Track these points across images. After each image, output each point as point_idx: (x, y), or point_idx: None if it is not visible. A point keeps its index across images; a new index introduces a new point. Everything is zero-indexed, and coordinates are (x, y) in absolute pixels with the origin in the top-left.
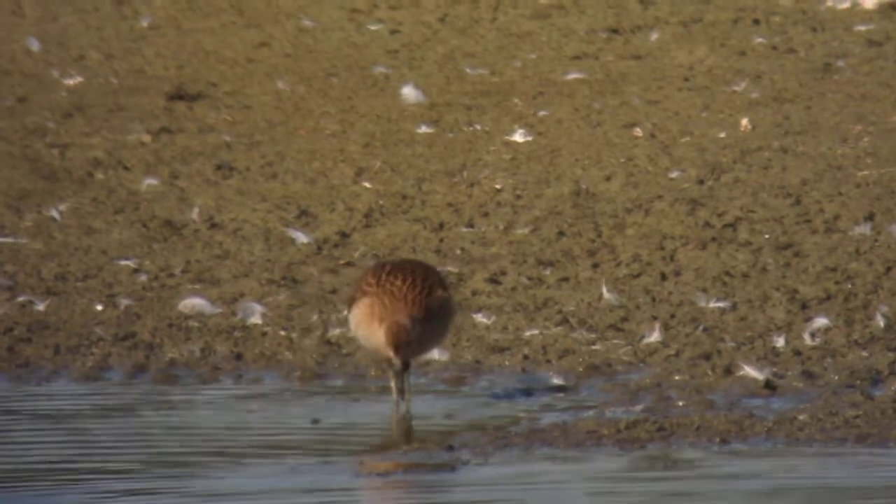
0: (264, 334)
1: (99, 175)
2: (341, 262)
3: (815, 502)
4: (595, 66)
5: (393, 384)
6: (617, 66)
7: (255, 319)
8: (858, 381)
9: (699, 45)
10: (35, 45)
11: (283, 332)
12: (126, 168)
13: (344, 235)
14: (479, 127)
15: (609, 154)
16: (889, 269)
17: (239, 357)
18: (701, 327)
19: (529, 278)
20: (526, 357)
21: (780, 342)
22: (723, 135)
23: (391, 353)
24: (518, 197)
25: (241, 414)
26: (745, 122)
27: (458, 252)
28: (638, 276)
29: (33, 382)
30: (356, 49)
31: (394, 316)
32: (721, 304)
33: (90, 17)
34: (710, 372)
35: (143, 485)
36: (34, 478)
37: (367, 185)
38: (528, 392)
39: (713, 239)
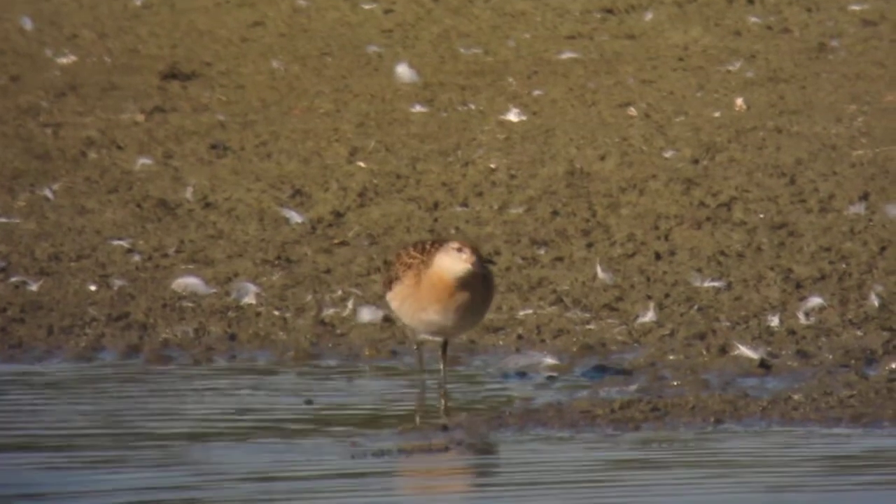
0: (258, 314)
1: (92, 154)
2: (335, 241)
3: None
4: (589, 45)
5: (417, 360)
6: (611, 45)
7: (249, 299)
8: (853, 361)
9: (694, 24)
10: (28, 24)
11: (276, 313)
12: (120, 147)
13: (338, 215)
14: (473, 106)
15: (603, 133)
16: (883, 248)
17: (233, 337)
18: (695, 307)
19: (524, 258)
20: (520, 337)
21: (774, 322)
22: (717, 114)
23: (466, 258)
24: (512, 176)
25: (234, 394)
26: (739, 101)
27: (453, 232)
28: (632, 255)
29: (27, 363)
30: (350, 28)
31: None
32: (716, 284)
33: None
34: (704, 352)
35: (134, 455)
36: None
37: (361, 164)
38: (522, 372)
39: (708, 218)
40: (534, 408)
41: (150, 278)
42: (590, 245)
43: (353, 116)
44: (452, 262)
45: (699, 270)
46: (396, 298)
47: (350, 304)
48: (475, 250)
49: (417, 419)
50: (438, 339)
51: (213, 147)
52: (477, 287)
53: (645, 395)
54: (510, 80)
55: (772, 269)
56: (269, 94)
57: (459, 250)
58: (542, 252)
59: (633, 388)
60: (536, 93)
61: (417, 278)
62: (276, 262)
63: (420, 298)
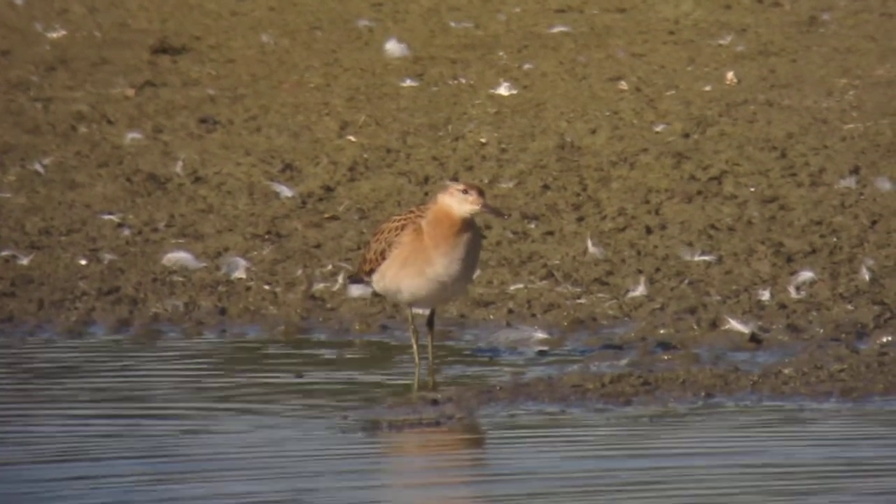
0: (248, 289)
1: (82, 129)
2: (326, 216)
3: None
4: (580, 19)
5: (413, 344)
6: (602, 19)
7: (240, 274)
8: (843, 335)
9: None
10: None
11: (267, 287)
12: (110, 122)
13: (328, 189)
14: (463, 80)
15: (594, 107)
16: (874, 222)
17: (223, 312)
18: (686, 281)
19: (514, 232)
20: (511, 311)
21: (765, 296)
22: (708, 88)
23: (473, 200)
24: (503, 150)
25: (225, 367)
26: (730, 75)
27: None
28: (623, 229)
29: (17, 337)
30: (340, 2)
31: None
32: (706, 258)
33: None
34: (695, 326)
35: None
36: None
37: (351, 138)
38: (512, 346)
39: (698, 192)
40: (524, 382)
41: (140, 252)
42: (580, 219)
43: (343, 91)
44: (459, 203)
45: (690, 244)
46: (393, 266)
47: (340, 279)
48: (481, 191)
49: (408, 393)
50: (427, 309)
51: (203, 121)
52: (476, 231)
53: (636, 370)
54: (500, 53)
55: (762, 242)
56: (258, 68)
57: (465, 192)
58: (532, 226)
59: (623, 362)
60: (527, 66)
61: (418, 232)
62: (267, 237)
63: (425, 248)
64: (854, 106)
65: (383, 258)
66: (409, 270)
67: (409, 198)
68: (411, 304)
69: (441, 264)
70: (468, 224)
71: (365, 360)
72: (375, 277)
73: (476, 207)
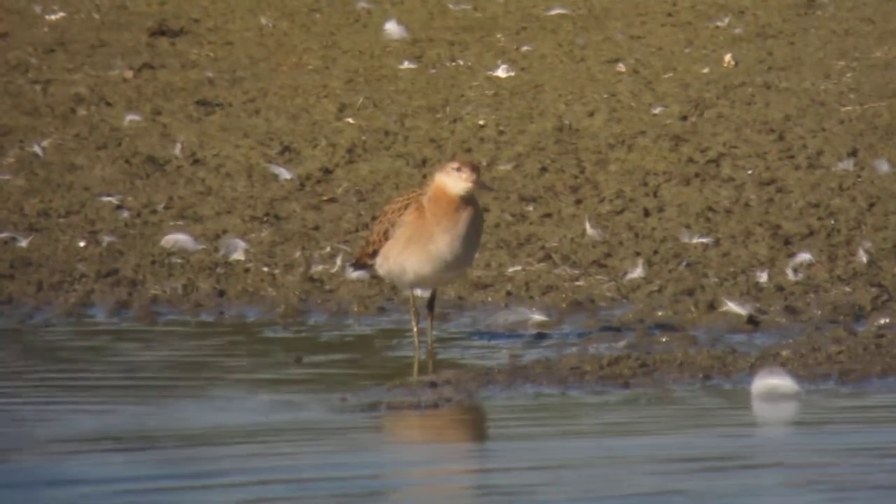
0: (247, 271)
1: (81, 111)
2: (324, 198)
3: None
4: (578, 1)
5: (414, 327)
6: (600, 1)
7: (238, 256)
8: (841, 317)
9: None
10: None
11: (265, 269)
12: (108, 104)
13: (327, 171)
14: (461, 62)
15: (592, 90)
16: (872, 204)
17: (221, 293)
18: (684, 263)
19: (512, 214)
20: (509, 293)
21: (763, 278)
22: (706, 70)
23: (466, 177)
24: (501, 133)
25: (223, 350)
26: (728, 57)
27: None
28: (621, 212)
29: (16, 319)
30: None
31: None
32: (704, 240)
33: None
34: (693, 308)
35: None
36: None
37: (349, 120)
38: (510, 328)
39: (696, 175)
40: (522, 364)
41: (139, 234)
42: (578, 201)
43: (342, 73)
44: (455, 182)
45: (688, 227)
46: (397, 245)
47: (338, 261)
48: (475, 168)
49: (406, 375)
50: (428, 292)
51: (202, 104)
52: (478, 208)
53: (634, 352)
54: (499, 35)
55: (760, 225)
56: (257, 50)
57: (459, 170)
58: (530, 208)
59: (621, 344)
60: (525, 48)
61: (420, 210)
62: (265, 219)
63: (427, 225)
64: (852, 88)
65: (386, 238)
66: (413, 248)
67: (406, 180)
68: (415, 284)
69: (444, 241)
70: (467, 201)
71: (363, 342)
72: (379, 260)
73: (470, 185)
